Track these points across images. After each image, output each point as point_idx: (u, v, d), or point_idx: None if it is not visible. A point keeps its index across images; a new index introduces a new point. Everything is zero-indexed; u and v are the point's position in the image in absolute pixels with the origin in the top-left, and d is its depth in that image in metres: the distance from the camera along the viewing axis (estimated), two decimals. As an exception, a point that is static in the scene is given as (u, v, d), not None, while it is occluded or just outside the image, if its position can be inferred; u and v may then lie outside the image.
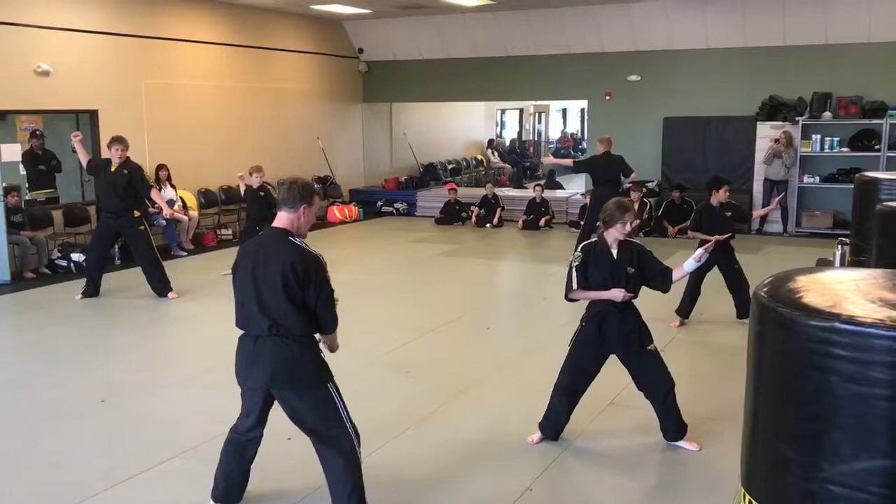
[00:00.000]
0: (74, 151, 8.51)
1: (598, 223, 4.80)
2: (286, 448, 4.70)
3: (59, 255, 9.97)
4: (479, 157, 20.99)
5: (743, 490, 2.30)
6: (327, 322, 3.65)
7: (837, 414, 1.92)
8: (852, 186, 6.05)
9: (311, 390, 3.66)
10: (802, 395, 1.99)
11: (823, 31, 12.44)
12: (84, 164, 8.54)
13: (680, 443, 4.69)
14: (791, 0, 12.32)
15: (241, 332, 3.78)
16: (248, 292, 3.63)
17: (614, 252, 4.55)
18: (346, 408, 3.72)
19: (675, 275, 4.59)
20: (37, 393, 5.77)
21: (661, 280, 4.58)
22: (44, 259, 9.81)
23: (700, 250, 4.63)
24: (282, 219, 3.64)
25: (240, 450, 3.95)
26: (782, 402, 2.07)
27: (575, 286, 4.55)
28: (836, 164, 12.65)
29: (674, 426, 4.67)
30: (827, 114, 12.46)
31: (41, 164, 10.59)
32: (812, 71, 12.62)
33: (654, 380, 4.61)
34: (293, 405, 3.71)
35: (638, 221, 11.89)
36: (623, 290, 4.47)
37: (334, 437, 3.69)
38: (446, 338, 7.18)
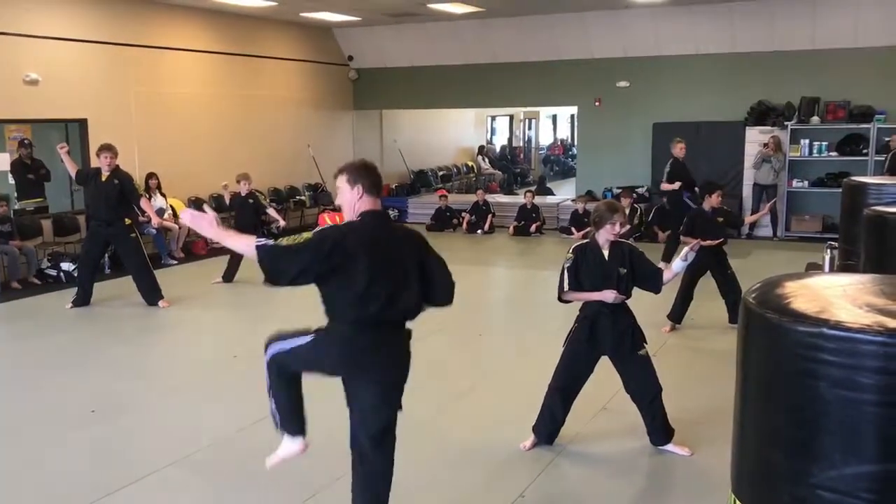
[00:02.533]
0: (63, 162, 8.48)
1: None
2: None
3: (49, 264, 9.92)
4: (470, 163, 21.01)
5: (733, 496, 2.31)
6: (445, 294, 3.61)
7: (826, 419, 1.92)
8: (840, 190, 6.07)
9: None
10: (791, 401, 1.99)
11: (811, 37, 12.52)
12: (73, 174, 8.51)
13: (670, 447, 4.70)
14: (778, 6, 12.40)
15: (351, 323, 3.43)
16: (382, 280, 3.30)
17: (605, 253, 4.58)
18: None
19: (666, 276, 4.61)
20: (26, 403, 5.73)
21: (653, 281, 4.60)
22: (33, 269, 9.76)
23: (686, 249, 4.66)
24: (374, 202, 3.40)
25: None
26: (771, 407, 2.08)
27: (566, 287, 4.57)
28: (824, 169, 12.71)
29: (660, 430, 4.68)
30: (815, 118, 12.53)
31: (30, 173, 10.55)
32: (800, 76, 12.70)
33: (641, 384, 4.63)
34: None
35: (628, 227, 11.97)
36: (615, 291, 4.49)
37: (391, 441, 3.63)
38: (438, 344, 7.16)
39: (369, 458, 3.55)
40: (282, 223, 10.23)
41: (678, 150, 10.39)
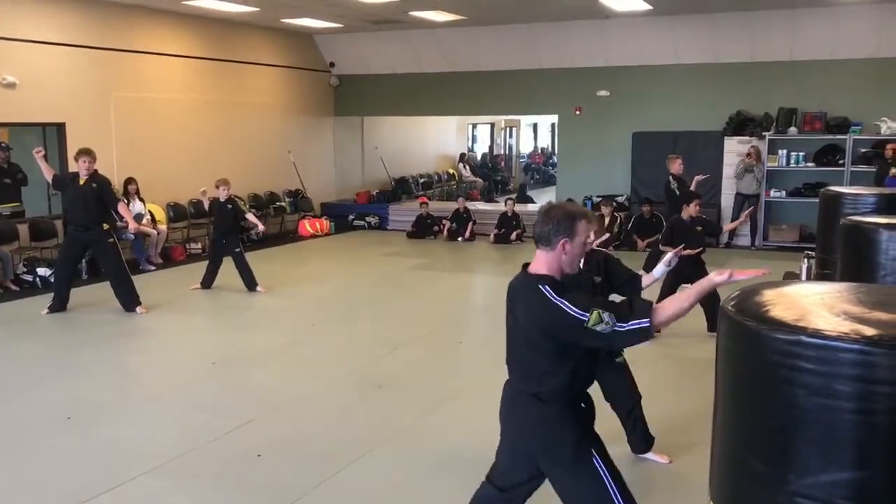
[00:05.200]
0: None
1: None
2: (256, 464, 4.66)
3: (25, 269, 9.82)
4: (451, 171, 21.05)
5: (712, 503, 2.32)
6: None
7: (804, 427, 1.93)
8: (817, 200, 6.14)
9: (563, 468, 3.07)
10: (769, 409, 2.00)
11: (789, 49, 12.67)
12: (49, 179, 8.42)
13: (649, 455, 4.71)
14: (757, 17, 12.53)
15: None
16: (508, 337, 3.16)
17: (581, 262, 4.57)
18: (620, 489, 3.01)
19: (645, 280, 4.58)
20: (1, 410, 5.66)
21: (631, 287, 4.58)
22: (9, 274, 9.64)
23: (670, 254, 4.65)
24: (538, 260, 3.02)
25: None
26: (749, 415, 2.09)
27: None
28: (801, 179, 12.85)
29: (639, 438, 4.70)
30: (792, 129, 12.67)
31: (6, 177, 10.42)
32: (778, 87, 12.84)
33: (620, 392, 4.64)
34: (554, 484, 3.13)
35: (607, 235, 12.02)
36: None
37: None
38: (419, 352, 7.16)
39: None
40: (261, 228, 10.22)
41: (676, 166, 10.11)
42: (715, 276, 2.88)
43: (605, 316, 2.79)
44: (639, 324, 2.80)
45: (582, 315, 2.81)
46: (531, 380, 3.08)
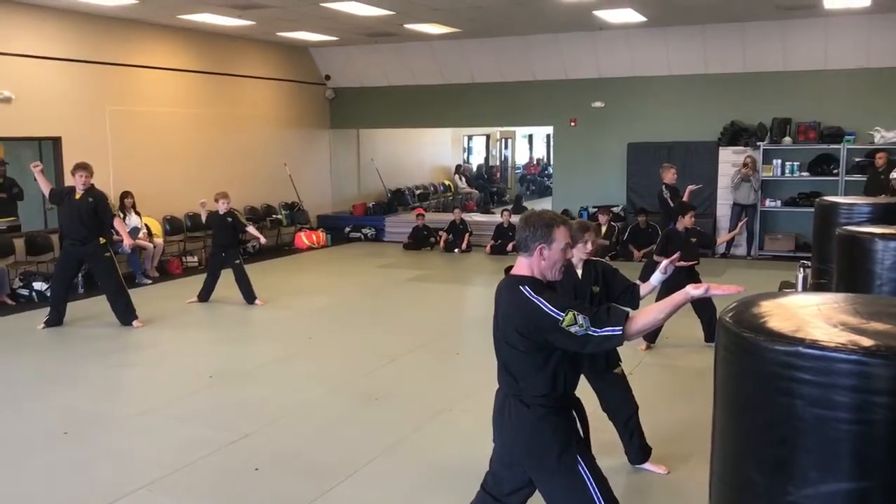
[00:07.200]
0: (36, 180, 8.39)
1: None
2: (253, 478, 4.64)
3: (21, 284, 9.80)
4: (447, 182, 21.08)
5: (711, 514, 2.32)
6: None
7: (802, 438, 1.94)
8: (813, 210, 6.15)
9: (547, 473, 3.08)
10: (767, 419, 2.01)
11: (781, 59, 12.73)
12: (46, 193, 8.42)
13: (646, 465, 4.71)
14: (749, 28, 12.60)
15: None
16: (494, 339, 3.22)
17: (579, 272, 4.59)
18: (604, 496, 3.02)
19: (643, 290, 4.58)
20: (-3, 426, 5.64)
21: (629, 297, 4.58)
22: (5, 288, 9.63)
23: (665, 262, 4.66)
24: (520, 265, 3.15)
25: None
26: (748, 426, 2.09)
27: None
28: (796, 188, 12.90)
29: (636, 449, 4.69)
30: (787, 139, 12.72)
31: (2, 191, 10.43)
32: (772, 97, 12.90)
33: (617, 402, 4.64)
34: (540, 488, 3.14)
35: (606, 243, 12.03)
36: None
37: None
38: (415, 364, 7.16)
39: None
40: (262, 241, 10.24)
41: (670, 175, 10.16)
42: (691, 290, 2.91)
43: (580, 318, 2.85)
44: (612, 331, 2.85)
45: (557, 314, 2.87)
46: (513, 382, 3.13)
